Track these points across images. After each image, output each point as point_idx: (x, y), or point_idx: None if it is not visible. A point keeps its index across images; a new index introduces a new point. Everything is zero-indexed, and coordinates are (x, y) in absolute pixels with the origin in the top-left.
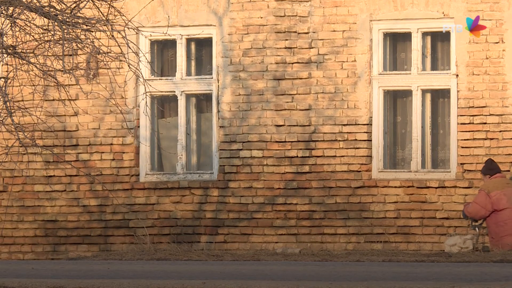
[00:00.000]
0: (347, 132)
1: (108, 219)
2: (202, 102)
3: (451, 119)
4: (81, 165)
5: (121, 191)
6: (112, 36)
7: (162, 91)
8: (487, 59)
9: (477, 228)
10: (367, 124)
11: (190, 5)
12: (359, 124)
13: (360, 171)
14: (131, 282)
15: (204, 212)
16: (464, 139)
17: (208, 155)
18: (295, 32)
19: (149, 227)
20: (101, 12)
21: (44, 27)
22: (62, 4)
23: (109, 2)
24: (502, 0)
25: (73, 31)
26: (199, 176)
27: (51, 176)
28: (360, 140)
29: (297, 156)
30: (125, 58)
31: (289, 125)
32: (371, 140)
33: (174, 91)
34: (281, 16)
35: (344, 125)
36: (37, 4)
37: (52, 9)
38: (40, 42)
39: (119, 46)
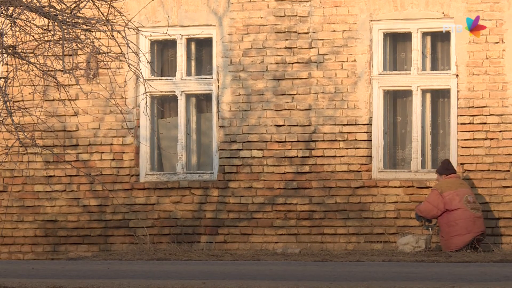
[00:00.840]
0: (347, 132)
1: (108, 219)
2: (202, 102)
3: (451, 119)
4: (81, 165)
5: (121, 191)
6: (112, 36)
7: (162, 91)
8: (487, 59)
9: (430, 228)
10: (367, 124)
11: (190, 5)
12: (359, 124)
13: (360, 171)
14: (131, 282)
15: (204, 212)
16: (464, 139)
17: (208, 155)
18: (295, 32)
19: (149, 227)
20: (101, 12)
21: (44, 27)
22: (62, 4)
23: (109, 2)
24: (502, 0)
25: (73, 31)
26: (199, 176)
27: (51, 176)
28: (360, 140)
29: (297, 156)
30: (125, 58)
31: (289, 125)
32: (371, 140)
33: (174, 91)
34: (281, 16)
35: (344, 125)
36: (37, 4)
37: (52, 9)
38: (40, 42)
39: (119, 46)
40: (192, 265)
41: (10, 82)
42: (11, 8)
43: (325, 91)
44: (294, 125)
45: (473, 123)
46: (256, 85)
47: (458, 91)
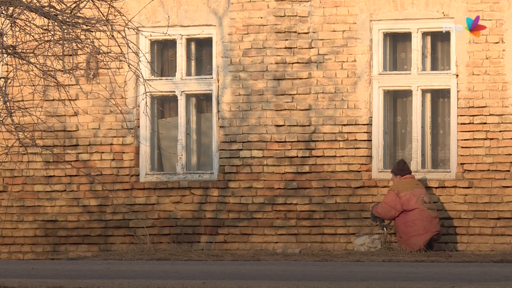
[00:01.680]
0: (347, 132)
1: (108, 219)
2: (202, 102)
3: (451, 119)
4: (81, 165)
5: (121, 191)
6: (112, 36)
7: (162, 91)
8: (487, 59)
9: (385, 228)
10: (367, 124)
11: (190, 5)
12: (359, 124)
13: (360, 171)
14: (131, 282)
15: (204, 212)
16: (464, 139)
17: (208, 155)
18: (295, 32)
19: (149, 227)
20: (101, 12)
21: (44, 27)
22: (62, 4)
23: (109, 2)
24: (502, 0)
25: (73, 31)
26: (199, 176)
27: (51, 176)
28: (360, 140)
29: (297, 156)
30: (125, 58)
31: (289, 125)
32: (371, 140)
33: (174, 91)
34: (281, 16)
35: (344, 125)
36: (37, 4)
37: (52, 9)
38: (40, 42)
39: (119, 46)
40: (192, 265)
41: (10, 82)
42: (11, 8)
43: (325, 91)
44: (294, 125)
45: (473, 123)
46: (256, 85)
47: (458, 91)
